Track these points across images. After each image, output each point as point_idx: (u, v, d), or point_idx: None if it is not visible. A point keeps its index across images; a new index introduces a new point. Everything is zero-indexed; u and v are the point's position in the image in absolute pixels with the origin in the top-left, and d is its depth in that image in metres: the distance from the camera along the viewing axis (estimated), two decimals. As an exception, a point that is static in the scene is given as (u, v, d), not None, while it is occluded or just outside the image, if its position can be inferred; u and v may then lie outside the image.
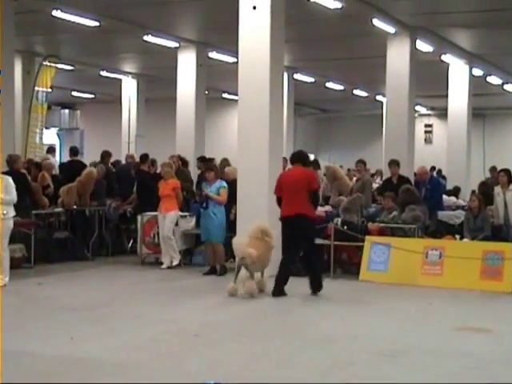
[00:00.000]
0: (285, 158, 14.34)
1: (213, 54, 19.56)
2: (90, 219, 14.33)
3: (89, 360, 6.78)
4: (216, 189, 12.36)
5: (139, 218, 13.70)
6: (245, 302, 9.96)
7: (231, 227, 12.38)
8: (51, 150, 19.26)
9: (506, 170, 13.16)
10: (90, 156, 23.20)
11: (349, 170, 21.31)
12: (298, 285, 10.52)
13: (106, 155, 16.49)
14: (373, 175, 21.84)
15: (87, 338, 7.66)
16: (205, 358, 6.93)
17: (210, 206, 12.25)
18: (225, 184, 12.49)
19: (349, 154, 29.10)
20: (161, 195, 13.12)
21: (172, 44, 18.61)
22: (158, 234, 13.39)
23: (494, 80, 23.45)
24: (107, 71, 23.88)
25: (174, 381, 6.00)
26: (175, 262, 13.03)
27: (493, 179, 17.92)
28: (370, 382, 6.25)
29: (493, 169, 19.97)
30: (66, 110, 31.75)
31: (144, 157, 15.41)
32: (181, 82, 19.18)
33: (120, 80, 25.12)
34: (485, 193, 14.15)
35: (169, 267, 12.94)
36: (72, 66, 22.23)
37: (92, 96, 30.23)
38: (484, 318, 9.17)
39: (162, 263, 13.10)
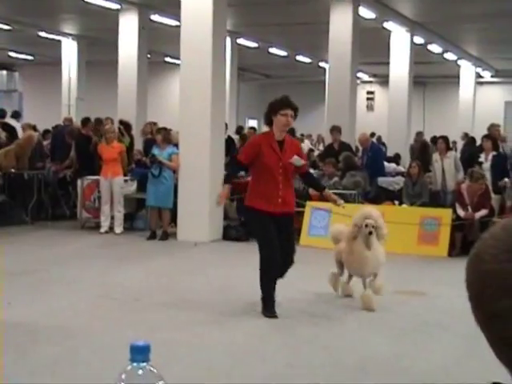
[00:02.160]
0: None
1: (155, 17, 19.29)
2: (29, 183, 14.10)
3: (28, 324, 6.72)
4: (168, 154, 12.29)
5: (79, 182, 13.54)
6: (187, 267, 9.98)
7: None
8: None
9: (444, 137, 13.40)
10: (29, 119, 22.76)
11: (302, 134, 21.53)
12: (240, 250, 10.58)
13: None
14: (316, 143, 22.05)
15: (26, 302, 7.59)
16: (145, 322, 6.94)
17: (162, 171, 12.19)
18: (176, 150, 12.39)
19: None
20: (106, 159, 12.86)
21: (113, 5, 18.28)
22: (98, 198, 13.27)
23: (434, 48, 23.73)
24: (46, 32, 23.33)
25: (113, 345, 6.01)
26: (119, 230, 12.85)
27: (418, 143, 18.65)
28: (307, 343, 6.36)
29: (419, 133, 20.71)
30: (4, 71, 31.06)
31: (85, 120, 15.16)
32: (122, 45, 18.88)
33: (60, 41, 24.61)
34: (423, 158, 14.44)
35: (106, 232, 12.86)
36: (8, 25, 21.66)
37: (31, 57, 29.57)
38: (420, 282, 9.39)
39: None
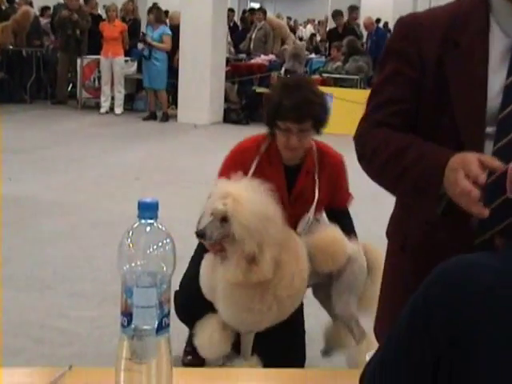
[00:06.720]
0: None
1: None
2: (28, 60, 13.83)
3: (28, 199, 6.76)
4: (159, 35, 12.04)
5: (79, 61, 13.29)
6: (186, 149, 9.94)
7: (175, 74, 12.19)
8: None
9: None
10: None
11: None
12: (240, 133, 10.51)
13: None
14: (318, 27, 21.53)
15: (26, 179, 7.59)
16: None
17: (152, 53, 11.99)
18: (168, 31, 12.14)
19: (296, 5, 28.55)
20: (106, 38, 12.50)
21: None
22: (98, 78, 13.07)
23: None
24: None
25: (113, 220, 6.04)
26: (119, 111, 12.70)
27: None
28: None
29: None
30: None
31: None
32: None
33: None
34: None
35: (106, 112, 12.74)
36: None
37: None
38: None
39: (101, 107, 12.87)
